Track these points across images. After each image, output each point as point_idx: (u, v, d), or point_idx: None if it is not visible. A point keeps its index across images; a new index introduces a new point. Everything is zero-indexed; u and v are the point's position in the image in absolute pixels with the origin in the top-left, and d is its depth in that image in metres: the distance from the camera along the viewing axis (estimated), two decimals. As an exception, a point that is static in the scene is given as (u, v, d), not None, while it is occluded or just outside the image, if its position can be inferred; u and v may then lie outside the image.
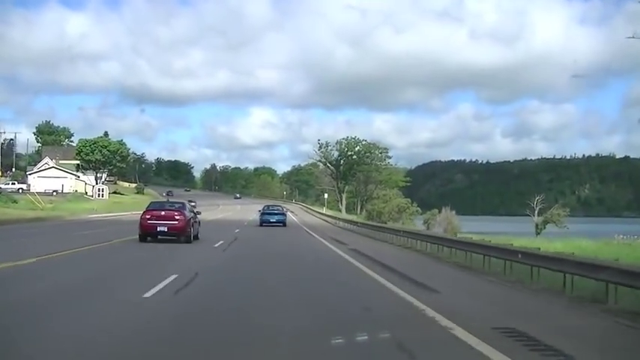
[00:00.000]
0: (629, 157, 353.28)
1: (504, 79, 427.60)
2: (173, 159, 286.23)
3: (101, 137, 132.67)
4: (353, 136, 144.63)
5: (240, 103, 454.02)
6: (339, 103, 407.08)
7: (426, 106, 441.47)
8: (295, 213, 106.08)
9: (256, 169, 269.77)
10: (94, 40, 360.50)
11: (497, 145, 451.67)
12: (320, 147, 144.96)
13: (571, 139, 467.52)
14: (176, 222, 33.48)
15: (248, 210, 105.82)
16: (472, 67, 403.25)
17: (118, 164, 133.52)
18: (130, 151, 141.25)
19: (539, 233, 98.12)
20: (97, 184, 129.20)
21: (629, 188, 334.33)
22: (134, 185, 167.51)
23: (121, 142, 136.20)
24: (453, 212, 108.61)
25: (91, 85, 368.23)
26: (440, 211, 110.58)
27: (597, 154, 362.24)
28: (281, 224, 61.23)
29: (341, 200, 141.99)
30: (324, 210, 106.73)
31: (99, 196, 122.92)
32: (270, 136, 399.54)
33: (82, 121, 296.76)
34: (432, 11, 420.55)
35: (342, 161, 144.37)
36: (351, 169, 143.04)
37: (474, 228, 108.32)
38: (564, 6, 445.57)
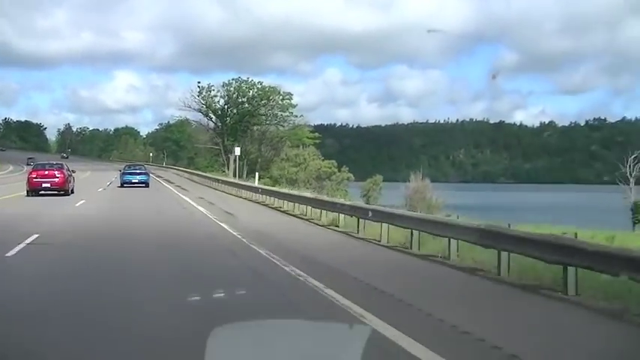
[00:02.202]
0: (503, 122, 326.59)
1: (374, 44, 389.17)
2: (24, 119, 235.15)
3: None
4: (245, 78, 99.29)
5: (104, 66, 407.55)
6: (207, 67, 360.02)
7: (295, 70, 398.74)
8: (184, 187, 54.09)
9: (117, 130, 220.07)
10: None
11: (365, 110, 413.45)
12: (200, 92, 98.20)
13: (438, 104, 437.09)
14: (57, 179, 38.12)
15: (98, 180, 60.80)
16: (342, 31, 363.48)
17: None
18: None
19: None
20: None
21: (503, 154, 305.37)
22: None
23: None
24: (427, 181, 66.51)
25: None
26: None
27: (471, 119, 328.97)
28: (143, 185, 52.60)
29: (228, 164, 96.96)
30: (256, 182, 51.98)
31: None
32: (135, 99, 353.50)
33: None
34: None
35: (229, 111, 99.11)
36: (241, 121, 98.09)
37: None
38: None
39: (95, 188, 47.10)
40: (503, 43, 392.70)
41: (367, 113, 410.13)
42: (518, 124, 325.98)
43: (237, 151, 61.11)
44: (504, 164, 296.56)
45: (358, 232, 20.62)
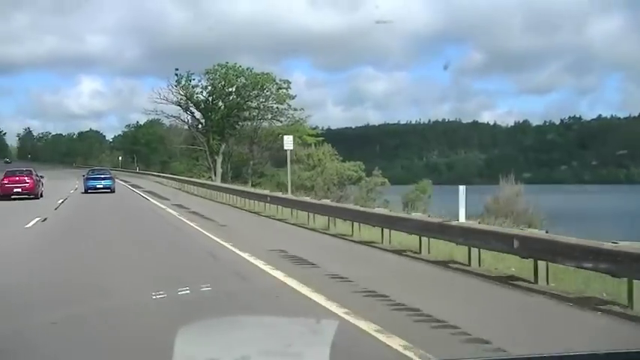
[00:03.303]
0: (477, 121, 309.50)
1: (339, 46, 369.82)
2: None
3: None
4: (234, 63, 78.93)
5: (68, 71, 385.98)
6: (173, 71, 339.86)
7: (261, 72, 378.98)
8: (224, 224, 23.78)
9: (81, 134, 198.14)
10: None
11: (332, 112, 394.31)
12: (178, 81, 77.51)
13: (405, 106, 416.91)
14: (27, 184, 39.62)
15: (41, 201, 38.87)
16: (307, 32, 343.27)
17: None
18: None
19: None
20: None
21: (478, 154, 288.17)
22: None
23: None
24: (520, 185, 47.59)
25: None
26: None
27: (444, 119, 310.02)
28: (108, 190, 47.97)
29: (214, 169, 77.28)
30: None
31: None
32: (100, 105, 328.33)
33: None
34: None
35: (215, 104, 79.03)
36: (229, 115, 78.11)
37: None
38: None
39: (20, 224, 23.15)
40: (469, 44, 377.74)
41: (334, 115, 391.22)
42: (491, 123, 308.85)
43: (289, 143, 36.91)
44: (479, 165, 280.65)
45: None
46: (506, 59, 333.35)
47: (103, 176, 51.29)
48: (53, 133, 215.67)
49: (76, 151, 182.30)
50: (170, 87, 76.51)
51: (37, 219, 24.42)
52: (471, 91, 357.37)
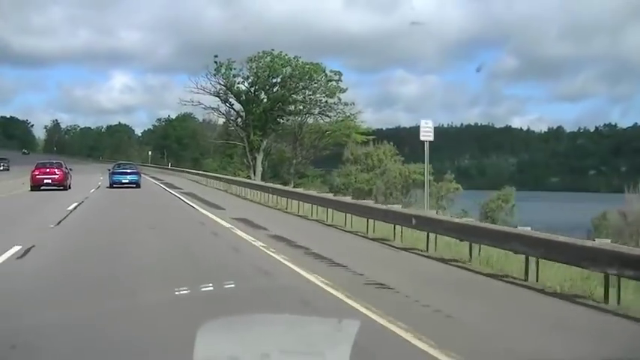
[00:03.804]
0: (510, 126, 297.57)
1: (372, 48, 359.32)
2: (9, 115, 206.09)
3: None
4: (279, 51, 69.38)
5: (100, 66, 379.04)
6: (206, 69, 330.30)
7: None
8: None
9: (109, 127, 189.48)
10: None
11: (363, 114, 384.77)
12: (217, 70, 68.25)
13: (435, 109, 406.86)
14: (57, 176, 40.03)
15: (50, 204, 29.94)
16: (341, 33, 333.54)
17: None
18: None
19: None
20: None
21: (511, 159, 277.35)
22: None
23: None
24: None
25: None
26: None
27: (476, 124, 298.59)
28: (134, 185, 45.71)
29: (254, 167, 67.94)
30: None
31: None
32: (130, 100, 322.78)
33: None
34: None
35: (257, 96, 69.57)
36: (272, 109, 68.67)
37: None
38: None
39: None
40: (502, 48, 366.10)
41: (365, 117, 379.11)
42: (524, 129, 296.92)
43: (429, 131, 25.65)
44: (510, 170, 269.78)
45: None
46: (540, 65, 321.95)
47: (129, 171, 49.32)
48: (82, 127, 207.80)
49: (104, 145, 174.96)
50: (208, 76, 67.21)
51: (17, 249, 14.03)
52: (502, 96, 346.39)
